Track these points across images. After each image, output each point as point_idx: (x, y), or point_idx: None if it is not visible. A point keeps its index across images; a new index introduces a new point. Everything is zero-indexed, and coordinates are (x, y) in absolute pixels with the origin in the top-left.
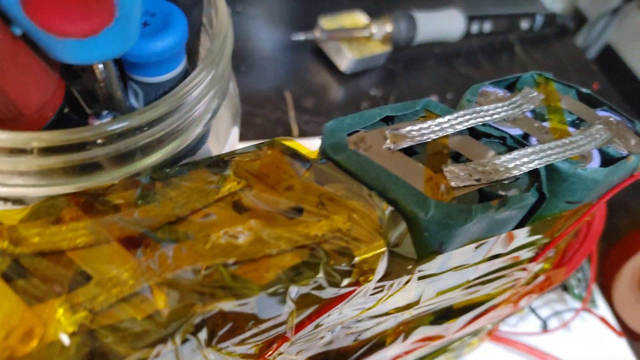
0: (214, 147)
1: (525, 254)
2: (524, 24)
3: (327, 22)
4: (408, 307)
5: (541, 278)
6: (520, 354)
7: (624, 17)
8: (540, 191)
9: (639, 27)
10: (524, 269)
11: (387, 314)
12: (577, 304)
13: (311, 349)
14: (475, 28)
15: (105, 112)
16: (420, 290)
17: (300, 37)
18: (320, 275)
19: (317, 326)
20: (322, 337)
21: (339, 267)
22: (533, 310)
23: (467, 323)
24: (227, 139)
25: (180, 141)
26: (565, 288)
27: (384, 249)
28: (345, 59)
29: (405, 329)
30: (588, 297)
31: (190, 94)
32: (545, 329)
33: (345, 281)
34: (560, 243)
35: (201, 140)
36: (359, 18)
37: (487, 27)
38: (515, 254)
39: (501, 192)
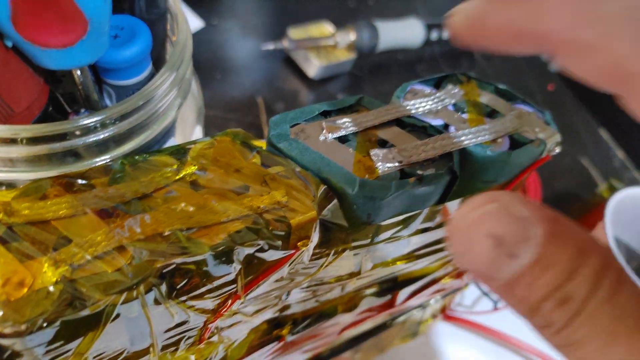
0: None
1: None
2: None
3: (295, 32)
4: (351, 276)
5: None
6: (473, 331)
7: None
8: (452, 170)
9: None
10: None
11: (332, 281)
12: None
13: (267, 312)
14: (435, 35)
15: (83, 110)
16: (358, 260)
17: (270, 46)
18: (261, 239)
19: (270, 290)
20: (277, 301)
21: (277, 232)
22: (486, 294)
23: (412, 295)
24: (192, 136)
25: (148, 133)
26: None
27: (315, 217)
28: (313, 66)
29: (355, 299)
30: None
31: (155, 92)
32: (495, 307)
33: (284, 245)
34: None
35: (167, 133)
36: (325, 28)
37: (447, 34)
38: (444, 227)
39: (419, 172)
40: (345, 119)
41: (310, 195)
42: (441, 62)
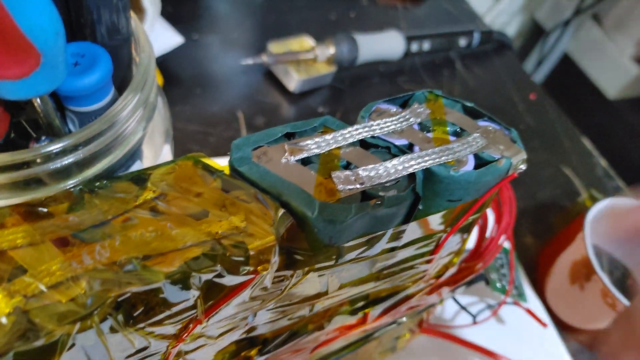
0: (148, 164)
1: (424, 247)
2: (462, 42)
3: (275, 47)
4: (318, 296)
5: (453, 270)
6: (452, 345)
7: (578, 28)
8: (415, 192)
9: (593, 38)
10: (427, 262)
11: (300, 302)
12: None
13: (234, 333)
14: (415, 47)
15: (44, 138)
16: (324, 280)
17: (249, 61)
18: (218, 264)
19: (234, 313)
20: (243, 323)
21: (235, 258)
22: (464, 308)
23: (385, 312)
24: (160, 157)
25: (112, 157)
26: (487, 282)
27: (274, 242)
28: (293, 80)
29: (325, 317)
30: (510, 290)
31: (118, 116)
32: (474, 321)
33: (243, 270)
34: (464, 237)
35: (133, 156)
36: (306, 42)
37: (427, 45)
38: (412, 247)
39: (381, 193)
40: (308, 141)
41: (270, 219)
42: (422, 73)
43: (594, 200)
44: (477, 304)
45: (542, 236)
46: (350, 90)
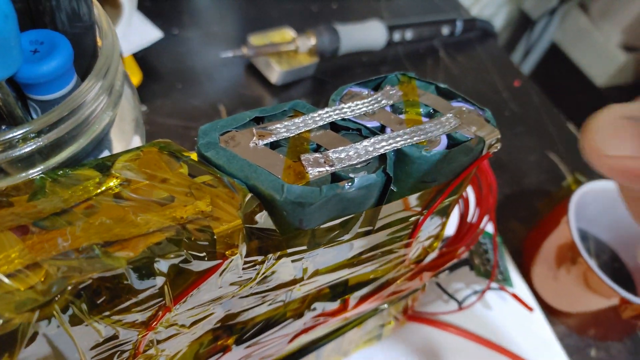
0: None
1: (401, 231)
2: (445, 30)
3: (256, 39)
4: (294, 282)
5: (434, 255)
6: (439, 332)
7: (565, 16)
8: (386, 172)
9: (580, 26)
10: (405, 246)
11: (276, 288)
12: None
13: (208, 322)
14: (397, 37)
15: (4, 127)
16: (299, 266)
17: (229, 54)
18: (184, 249)
19: (207, 301)
20: (217, 311)
21: (201, 242)
22: (449, 294)
23: (365, 298)
24: (130, 147)
25: (76, 146)
26: (471, 268)
27: (241, 225)
28: (274, 72)
29: (304, 305)
30: (494, 274)
31: (79, 102)
32: (460, 307)
33: (210, 255)
34: (443, 220)
35: (99, 146)
36: (287, 34)
37: (409, 35)
38: (388, 229)
39: (351, 175)
40: (277, 125)
41: (237, 203)
42: (405, 62)
43: (579, 184)
44: (463, 290)
45: (528, 222)
46: (333, 81)
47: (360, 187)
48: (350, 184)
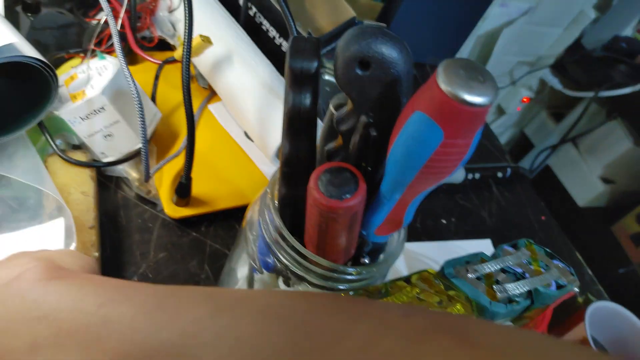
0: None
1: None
2: (499, 174)
3: None
4: None
5: None
6: None
7: (559, 148)
8: (531, 298)
9: (571, 157)
10: None
11: None
12: None
13: None
14: (470, 176)
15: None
16: None
17: None
18: None
19: None
20: None
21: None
22: None
23: None
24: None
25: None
26: None
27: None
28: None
29: None
30: None
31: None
32: None
33: None
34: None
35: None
36: None
37: (477, 175)
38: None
39: (517, 299)
40: (475, 266)
41: (469, 309)
42: (471, 192)
43: (588, 301)
44: None
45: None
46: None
47: (522, 307)
48: (517, 304)
